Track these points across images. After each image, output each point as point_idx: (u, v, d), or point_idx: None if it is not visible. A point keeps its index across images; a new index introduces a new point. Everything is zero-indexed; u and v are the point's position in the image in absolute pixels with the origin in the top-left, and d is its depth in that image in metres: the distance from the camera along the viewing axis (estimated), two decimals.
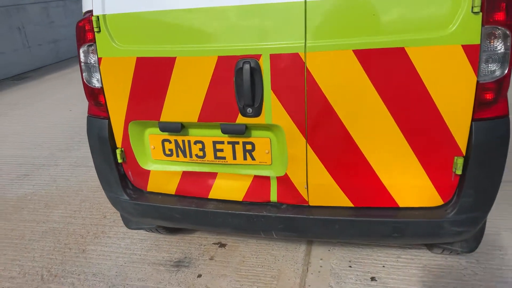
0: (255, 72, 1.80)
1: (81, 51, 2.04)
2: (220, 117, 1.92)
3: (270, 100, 1.84)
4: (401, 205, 1.94)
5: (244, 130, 1.91)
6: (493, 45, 1.63)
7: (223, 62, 1.82)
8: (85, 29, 1.98)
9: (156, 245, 2.81)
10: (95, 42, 1.98)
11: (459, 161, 1.79)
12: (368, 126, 1.81)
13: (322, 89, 1.78)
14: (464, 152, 1.78)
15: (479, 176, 1.79)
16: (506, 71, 1.67)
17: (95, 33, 1.97)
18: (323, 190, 1.97)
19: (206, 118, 1.94)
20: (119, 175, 2.21)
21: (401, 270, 2.40)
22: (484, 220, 1.93)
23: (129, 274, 2.55)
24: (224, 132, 1.94)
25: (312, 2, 1.69)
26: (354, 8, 1.68)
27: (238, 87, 1.83)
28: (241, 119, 1.90)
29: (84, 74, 2.08)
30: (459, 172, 1.80)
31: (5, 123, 5.63)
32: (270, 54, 1.77)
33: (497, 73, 1.67)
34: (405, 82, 1.71)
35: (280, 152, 1.96)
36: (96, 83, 2.07)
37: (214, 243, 2.76)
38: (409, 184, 1.89)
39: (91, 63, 2.03)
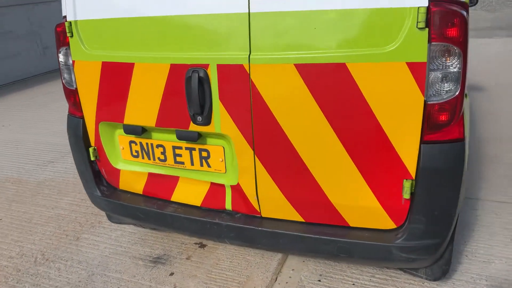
0: (204, 81, 1.81)
1: (59, 53, 2.17)
2: (175, 124, 1.96)
3: (218, 109, 1.84)
4: (351, 224, 1.86)
5: (196, 137, 1.93)
6: (442, 63, 1.51)
7: (175, 70, 1.85)
8: (62, 33, 2.11)
9: (142, 239, 2.92)
10: (64, 46, 2.10)
11: (407, 185, 1.68)
12: (312, 142, 1.75)
13: (266, 101, 1.75)
14: (413, 176, 1.67)
15: (428, 202, 1.67)
16: (457, 92, 1.54)
17: (69, 37, 2.09)
18: (273, 202, 1.94)
19: (163, 123, 1.99)
20: (93, 172, 2.33)
21: None
22: (441, 248, 1.80)
23: (109, 265, 2.68)
24: (178, 138, 1.98)
25: (256, 14, 1.67)
26: (297, 22, 1.63)
27: (188, 95, 1.85)
28: (193, 127, 1.92)
29: (62, 75, 2.22)
30: (406, 196, 1.69)
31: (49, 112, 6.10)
32: (217, 64, 1.77)
33: (447, 93, 1.55)
34: (347, 99, 1.63)
35: (232, 161, 1.96)
36: (72, 84, 2.19)
37: (195, 243, 2.82)
38: (358, 205, 1.80)
39: (67, 65, 2.16)
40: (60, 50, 2.15)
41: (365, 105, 1.62)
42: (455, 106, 1.56)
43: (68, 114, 2.34)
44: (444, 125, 1.59)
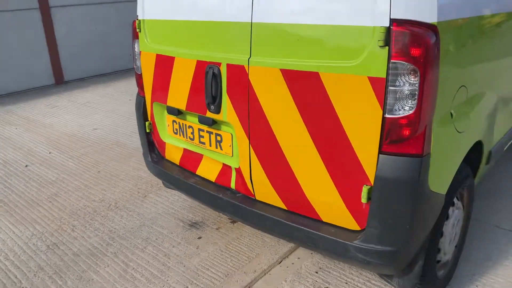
0: (217, 76, 2.19)
1: (134, 44, 2.76)
2: (197, 109, 2.38)
3: (226, 101, 2.20)
4: (323, 219, 2.05)
5: (211, 123, 2.32)
6: (400, 80, 1.63)
7: (199, 65, 2.27)
8: (135, 28, 2.69)
9: (190, 206, 3.44)
10: (136, 38, 2.67)
11: (365, 190, 1.81)
12: (291, 138, 1.99)
13: (259, 99, 2.05)
14: (371, 183, 1.80)
15: (383, 210, 1.78)
16: (414, 109, 1.63)
17: (138, 32, 2.66)
18: (262, 188, 2.23)
19: (190, 108, 2.42)
20: (147, 142, 2.90)
21: None
22: (399, 258, 1.87)
23: (158, 221, 3.26)
24: (199, 121, 2.39)
25: (256, 24, 1.97)
26: (284, 33, 1.89)
27: (206, 87, 2.25)
28: (208, 114, 2.31)
29: (134, 62, 2.81)
30: (364, 200, 1.82)
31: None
32: (227, 64, 2.13)
33: (404, 110, 1.65)
34: (319, 104, 1.84)
35: (236, 147, 2.30)
36: (139, 70, 2.77)
37: (229, 219, 3.22)
38: (326, 201, 1.99)
39: (137, 53, 2.74)
40: (134, 42, 2.74)
41: (333, 111, 1.80)
42: (413, 122, 1.65)
43: (137, 93, 2.94)
44: (401, 139, 1.68)
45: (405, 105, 1.64)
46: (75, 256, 2.86)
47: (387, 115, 1.68)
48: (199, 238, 3.01)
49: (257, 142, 2.14)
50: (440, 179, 1.83)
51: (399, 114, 1.66)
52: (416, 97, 1.62)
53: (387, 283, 2.44)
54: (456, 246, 2.41)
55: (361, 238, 1.88)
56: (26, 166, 4.39)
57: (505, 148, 3.24)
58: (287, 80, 1.91)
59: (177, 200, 3.53)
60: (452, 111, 1.84)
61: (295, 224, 2.08)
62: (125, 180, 3.97)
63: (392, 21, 1.59)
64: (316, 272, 2.60)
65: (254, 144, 2.16)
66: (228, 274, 2.62)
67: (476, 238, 2.86)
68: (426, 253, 1.98)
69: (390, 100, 1.66)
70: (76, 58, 8.50)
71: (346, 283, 2.50)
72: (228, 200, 2.35)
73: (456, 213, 2.23)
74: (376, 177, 1.75)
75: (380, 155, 1.74)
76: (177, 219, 3.26)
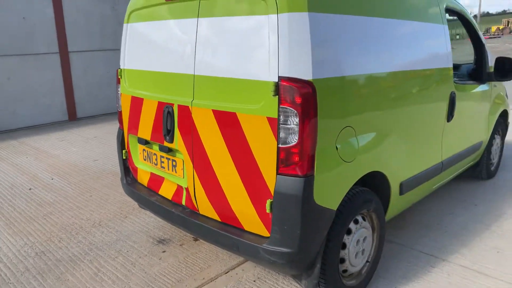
0: (171, 114, 2.80)
1: (117, 88, 3.43)
2: (158, 139, 2.98)
3: (177, 133, 2.80)
4: (245, 228, 2.57)
5: (167, 150, 2.91)
6: (287, 120, 2.20)
7: (159, 105, 2.89)
8: (117, 75, 3.37)
9: (162, 226, 3.96)
10: (118, 83, 3.34)
11: (268, 203, 2.34)
12: (222, 165, 2.55)
13: (199, 132, 2.64)
14: (272, 197, 2.33)
15: (279, 218, 2.30)
16: (297, 141, 2.19)
17: (119, 78, 3.33)
18: (203, 203, 2.77)
19: (153, 138, 3.03)
20: (124, 167, 3.50)
21: None
22: (297, 259, 2.35)
23: (132, 237, 3.79)
24: (159, 149, 2.99)
25: (197, 75, 2.60)
26: (214, 83, 2.51)
27: (163, 122, 2.86)
28: (165, 143, 2.91)
29: (117, 102, 3.47)
30: (268, 211, 2.35)
31: None
32: (178, 104, 2.75)
33: (291, 142, 2.21)
34: (238, 137, 2.42)
35: (185, 170, 2.87)
36: (119, 108, 3.42)
37: (193, 237, 3.74)
38: (246, 214, 2.51)
39: (119, 95, 3.40)
40: (117, 86, 3.41)
41: (246, 142, 2.37)
42: (297, 151, 2.20)
43: (118, 127, 3.58)
44: (290, 164, 2.23)
45: (292, 139, 2.21)
46: (57, 262, 3.40)
47: (280, 145, 2.24)
48: (163, 252, 3.53)
49: (198, 166, 2.71)
50: (326, 196, 2.34)
51: (288, 144, 2.22)
52: (298, 132, 2.18)
53: None
54: (368, 262, 2.87)
55: (267, 242, 2.38)
56: (30, 189, 5.02)
57: (434, 187, 3.73)
58: (216, 118, 2.51)
59: (152, 221, 4.07)
60: (338, 145, 2.39)
61: (224, 232, 2.60)
62: (112, 203, 4.54)
63: (280, 77, 2.19)
64: (254, 281, 3.07)
65: (196, 168, 2.73)
66: (180, 280, 3.11)
67: (397, 259, 3.30)
68: (324, 258, 2.46)
69: (281, 134, 2.23)
70: (89, 98, 9.35)
71: None
72: (179, 214, 2.90)
73: (361, 231, 2.71)
74: (275, 192, 2.29)
75: (277, 175, 2.28)
76: (148, 236, 3.79)
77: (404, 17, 2.90)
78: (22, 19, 8.14)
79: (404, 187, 3.07)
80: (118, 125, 3.58)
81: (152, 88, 2.99)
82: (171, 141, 2.85)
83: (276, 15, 2.18)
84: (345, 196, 2.49)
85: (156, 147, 3.07)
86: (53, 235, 3.84)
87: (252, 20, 2.31)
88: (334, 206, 2.42)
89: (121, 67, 3.32)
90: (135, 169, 3.42)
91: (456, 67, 4.71)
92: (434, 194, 4.57)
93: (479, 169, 4.73)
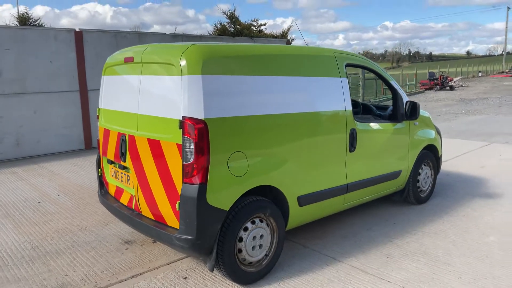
0: (124, 141, 3.90)
1: (97, 122, 4.59)
2: (117, 159, 4.07)
3: (128, 155, 3.88)
4: (168, 223, 3.57)
5: (122, 167, 4.00)
6: (186, 146, 3.24)
7: (119, 135, 4.00)
8: (97, 113, 4.53)
9: (133, 232, 5.00)
10: (98, 119, 4.51)
11: (177, 203, 3.35)
12: (153, 178, 3.59)
13: (140, 154, 3.71)
14: (180, 199, 3.34)
15: (183, 214, 3.30)
16: (193, 160, 3.22)
17: (98, 115, 4.50)
18: (143, 206, 3.81)
19: (115, 159, 4.13)
20: (99, 182, 4.60)
21: (208, 278, 3.82)
22: (197, 244, 3.29)
23: (106, 238, 4.83)
24: (118, 167, 4.07)
25: (139, 114, 3.71)
26: (147, 118, 3.60)
27: (120, 147, 3.96)
28: (122, 162, 4.00)
29: (98, 133, 4.62)
30: (177, 209, 3.36)
31: None
32: (128, 134, 3.85)
33: (189, 160, 3.24)
34: (161, 157, 3.47)
35: (133, 182, 3.93)
36: (98, 137, 4.57)
37: (153, 240, 4.75)
38: (168, 213, 3.53)
39: (98, 128, 4.55)
40: (97, 121, 4.57)
41: (165, 161, 3.41)
42: (194, 167, 3.21)
43: (97, 152, 4.71)
44: (189, 175, 3.24)
45: (190, 158, 3.24)
46: (46, 253, 4.47)
47: (184, 163, 3.28)
48: (126, 249, 4.54)
49: (140, 179, 3.77)
50: (217, 199, 3.29)
51: (188, 162, 3.25)
52: (194, 154, 3.21)
53: (232, 282, 3.81)
54: (267, 255, 3.79)
55: (177, 232, 3.37)
56: (39, 202, 6.20)
57: (345, 204, 4.63)
58: (149, 144, 3.58)
59: (126, 228, 5.12)
60: (229, 164, 3.39)
61: (154, 227, 3.61)
62: (100, 215, 5.63)
63: (183, 117, 3.25)
64: (186, 270, 4.03)
65: (139, 180, 3.78)
66: (131, 268, 4.11)
67: (302, 259, 4.18)
68: (221, 247, 3.40)
69: (184, 155, 3.26)
70: None
71: (200, 276, 3.91)
72: (129, 216, 3.93)
73: (258, 230, 3.65)
74: (181, 196, 3.30)
75: (183, 184, 3.30)
76: (119, 238, 4.83)
77: (295, 74, 3.93)
78: (49, 62, 9.67)
79: (302, 200, 4.00)
80: None
81: (115, 122, 4.11)
82: (124, 160, 3.93)
83: (181, 76, 3.27)
84: (238, 201, 3.47)
85: (117, 166, 4.15)
86: (47, 236, 4.94)
87: (168, 79, 3.41)
88: (226, 207, 3.39)
89: (99, 106, 4.49)
90: (107, 183, 4.51)
91: (383, 108, 5.68)
92: (360, 211, 5.43)
93: (405, 194, 5.56)
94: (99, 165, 4.58)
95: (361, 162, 4.62)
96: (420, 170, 5.63)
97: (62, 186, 7.05)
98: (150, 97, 3.63)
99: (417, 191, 5.63)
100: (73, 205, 6.05)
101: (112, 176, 4.33)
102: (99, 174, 4.57)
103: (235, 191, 3.46)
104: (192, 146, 3.21)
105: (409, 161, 5.38)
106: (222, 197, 3.37)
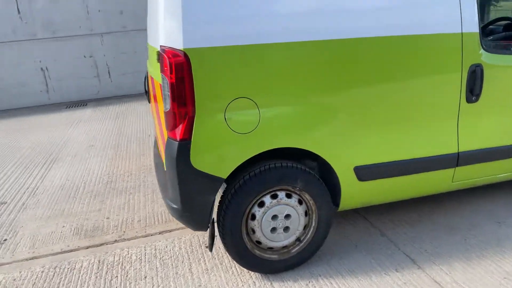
0: (147, 78, 3.27)
1: None
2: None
3: (151, 95, 3.26)
4: None
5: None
6: (164, 87, 2.37)
7: (150, 77, 3.40)
8: None
9: None
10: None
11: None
12: (157, 129, 2.90)
13: (156, 95, 3.03)
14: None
15: (168, 177, 2.51)
16: (170, 107, 2.35)
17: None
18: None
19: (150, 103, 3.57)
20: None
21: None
22: (183, 215, 2.51)
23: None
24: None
25: (150, 46, 2.98)
26: (152, 52, 2.84)
27: (148, 84, 3.35)
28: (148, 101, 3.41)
29: None
30: (165, 170, 2.61)
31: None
32: (150, 75, 3.19)
33: (167, 108, 2.38)
34: (159, 103, 2.72)
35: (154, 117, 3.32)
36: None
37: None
38: None
39: None
40: None
41: (158, 109, 2.65)
42: (173, 118, 2.34)
43: None
44: (170, 128, 2.37)
45: (168, 105, 2.37)
46: (111, 190, 4.40)
47: (164, 111, 2.44)
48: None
49: (157, 120, 3.05)
50: (207, 162, 2.39)
51: (166, 110, 2.40)
52: (170, 100, 2.33)
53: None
54: (299, 240, 2.77)
55: (168, 199, 2.65)
56: (149, 135, 6.30)
57: (455, 182, 3.09)
58: (155, 84, 2.85)
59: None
60: (227, 115, 2.39)
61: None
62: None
63: (160, 46, 2.36)
64: (180, 238, 3.34)
65: (157, 120, 3.10)
66: (167, 221, 3.65)
67: (361, 249, 2.97)
68: (222, 223, 2.55)
69: (164, 98, 2.41)
70: None
71: (222, 249, 3.17)
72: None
73: (280, 208, 2.63)
74: (165, 153, 2.52)
75: (167, 138, 2.50)
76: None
77: None
78: None
79: (363, 173, 2.73)
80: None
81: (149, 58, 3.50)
82: (149, 101, 3.33)
83: None
84: (245, 167, 2.52)
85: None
86: (127, 172, 4.90)
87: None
88: (222, 174, 2.46)
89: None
90: None
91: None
92: (482, 194, 3.64)
93: None
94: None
95: (487, 119, 2.90)
96: None
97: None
98: (152, 22, 2.84)
99: None
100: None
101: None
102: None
103: (237, 153, 2.47)
104: (168, 87, 2.33)
105: None
106: (213, 160, 2.45)
